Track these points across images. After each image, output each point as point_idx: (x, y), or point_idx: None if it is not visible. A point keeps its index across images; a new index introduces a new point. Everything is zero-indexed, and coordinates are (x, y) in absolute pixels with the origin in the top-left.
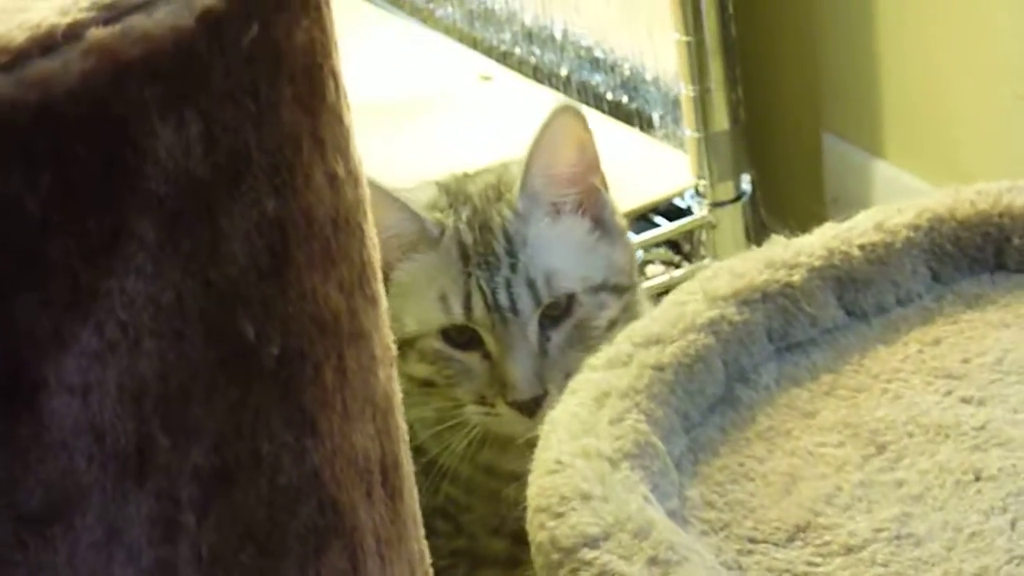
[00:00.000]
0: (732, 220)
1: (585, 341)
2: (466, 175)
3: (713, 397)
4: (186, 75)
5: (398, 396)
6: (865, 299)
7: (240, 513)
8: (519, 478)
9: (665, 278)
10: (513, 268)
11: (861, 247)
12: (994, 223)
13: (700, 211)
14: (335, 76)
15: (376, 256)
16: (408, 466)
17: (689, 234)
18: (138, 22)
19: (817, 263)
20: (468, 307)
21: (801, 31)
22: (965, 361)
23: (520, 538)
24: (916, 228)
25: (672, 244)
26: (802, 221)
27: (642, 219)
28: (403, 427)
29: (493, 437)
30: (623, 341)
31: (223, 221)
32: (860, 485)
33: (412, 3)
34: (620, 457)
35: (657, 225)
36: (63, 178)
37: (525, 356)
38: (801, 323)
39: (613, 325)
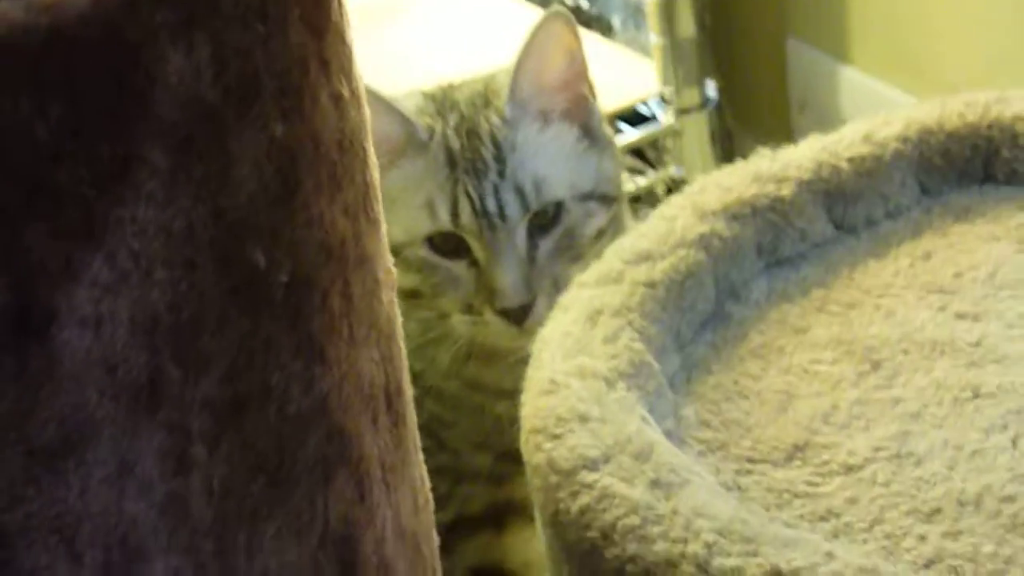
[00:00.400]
0: (698, 127)
1: (573, 250)
2: (452, 84)
3: (704, 313)
4: None
5: (399, 320)
6: (854, 213)
7: (250, 444)
8: (504, 393)
9: (631, 186)
10: (501, 174)
11: (850, 160)
12: (983, 135)
13: (665, 119)
14: (342, 7)
15: (377, 177)
16: (409, 391)
17: (654, 142)
18: None
19: (806, 176)
20: (455, 213)
21: None
22: (957, 276)
23: (504, 454)
24: (905, 140)
25: (636, 152)
26: (768, 128)
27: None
28: (404, 351)
29: (479, 350)
30: (613, 257)
31: (233, 146)
32: (857, 403)
33: None
34: (616, 376)
35: (621, 132)
36: (74, 104)
37: (513, 263)
38: (790, 238)
39: (601, 235)
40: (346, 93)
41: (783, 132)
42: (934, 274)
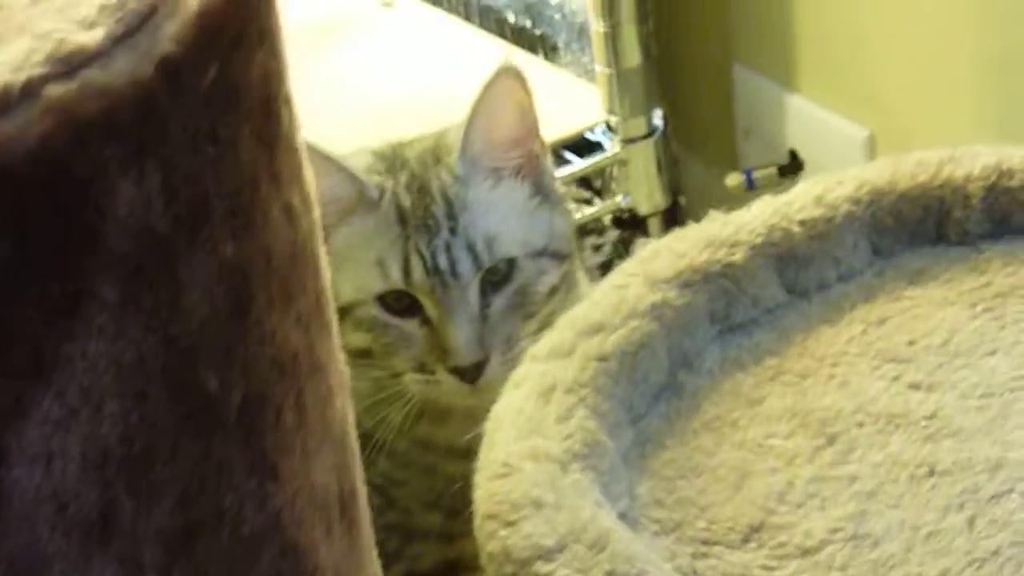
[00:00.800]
0: (644, 156)
1: (526, 307)
2: (401, 142)
3: (657, 385)
4: (146, 127)
5: (352, 421)
6: (806, 276)
7: (203, 570)
8: (456, 451)
9: (577, 215)
10: (453, 231)
11: (802, 223)
12: (935, 195)
13: (612, 147)
14: (288, 103)
15: (328, 278)
16: (363, 492)
17: (600, 171)
18: (96, 76)
19: (758, 240)
20: (407, 271)
21: None
22: (911, 343)
23: (454, 512)
24: (857, 201)
25: (583, 181)
26: (714, 155)
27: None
28: (357, 451)
29: (431, 409)
30: (565, 328)
31: (183, 273)
32: (812, 480)
33: None
34: (570, 458)
35: (567, 161)
36: (23, 243)
37: (465, 321)
38: (743, 304)
39: (554, 292)
40: (297, 202)
41: (728, 159)
42: (888, 341)
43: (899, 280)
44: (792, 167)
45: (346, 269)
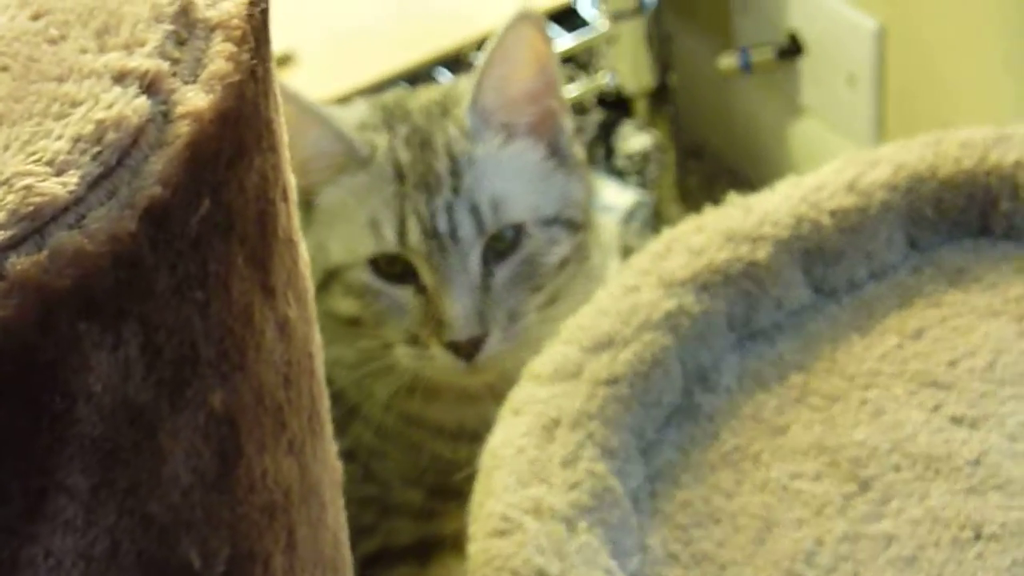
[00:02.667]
0: (634, 31)
1: (533, 280)
2: (406, 93)
3: (670, 407)
4: (126, 290)
5: (344, 528)
6: (836, 274)
7: None
8: (445, 431)
9: None
10: (456, 191)
11: (832, 213)
12: (980, 183)
13: (599, 23)
14: (286, 193)
15: (323, 385)
16: None
17: (587, 48)
18: (68, 239)
19: (784, 234)
20: (402, 233)
21: None
22: (952, 364)
23: (437, 491)
24: (893, 188)
25: (565, 57)
26: (707, 29)
27: None
28: (350, 562)
29: (422, 385)
30: (571, 342)
31: (165, 441)
32: (844, 539)
33: None
34: (577, 514)
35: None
36: None
37: (465, 291)
38: (765, 307)
39: (564, 264)
40: (293, 313)
41: (722, 36)
42: (926, 360)
43: (938, 280)
44: (791, 50)
45: (336, 229)
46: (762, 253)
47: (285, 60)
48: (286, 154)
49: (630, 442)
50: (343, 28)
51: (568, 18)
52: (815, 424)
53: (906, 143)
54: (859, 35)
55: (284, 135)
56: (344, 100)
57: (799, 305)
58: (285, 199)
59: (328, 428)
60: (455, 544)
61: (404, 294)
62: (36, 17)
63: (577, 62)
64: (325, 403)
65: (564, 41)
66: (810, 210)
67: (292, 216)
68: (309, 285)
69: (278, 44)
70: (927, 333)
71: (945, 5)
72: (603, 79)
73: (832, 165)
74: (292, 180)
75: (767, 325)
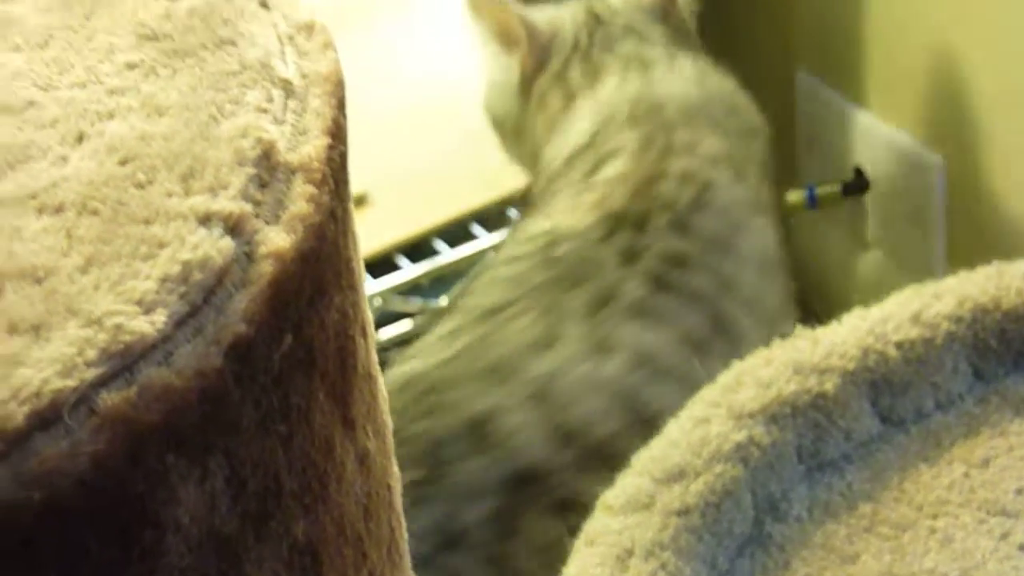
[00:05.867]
0: None
1: None
2: None
3: (742, 537)
4: (212, 423)
5: None
6: (903, 404)
7: None
8: None
9: None
10: None
11: (898, 345)
12: None
13: None
14: (364, 329)
15: (401, 516)
16: None
17: None
18: (157, 376)
19: (851, 366)
20: None
21: None
22: (1019, 492)
23: None
24: (958, 320)
25: None
26: (775, 165)
27: None
28: None
29: None
30: (643, 474)
31: (250, 571)
32: None
33: None
34: None
35: None
36: None
37: None
38: (834, 438)
39: None
40: (372, 446)
41: (789, 172)
42: (993, 489)
43: (1004, 410)
44: (857, 185)
45: None
46: (830, 385)
47: (359, 201)
48: (364, 291)
49: (702, 572)
50: (414, 169)
51: None
52: (885, 553)
53: (969, 275)
54: (924, 170)
55: (363, 273)
56: (417, 241)
57: (867, 435)
58: (364, 335)
59: (406, 560)
60: None
61: None
62: (124, 162)
63: None
64: (403, 534)
65: None
66: (876, 342)
67: (371, 351)
68: (387, 418)
69: (352, 185)
70: (994, 462)
71: (1007, 140)
72: None
73: (897, 297)
74: (370, 317)
75: (836, 455)
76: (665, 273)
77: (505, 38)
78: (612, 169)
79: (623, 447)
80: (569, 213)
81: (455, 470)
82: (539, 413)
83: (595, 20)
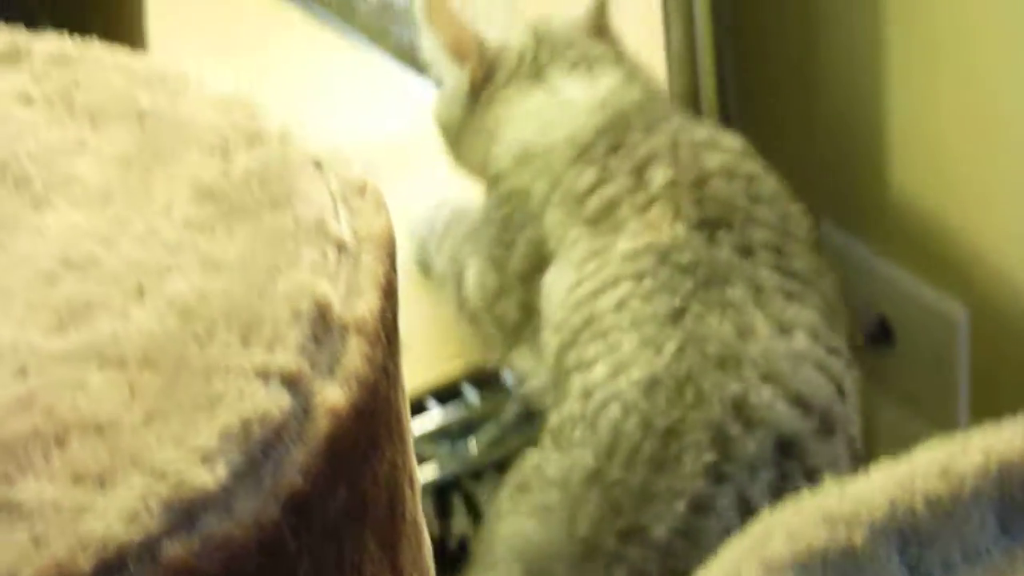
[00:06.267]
0: None
1: None
2: None
3: None
4: (270, 573)
5: None
6: (930, 556)
7: None
8: None
9: None
10: None
11: (926, 497)
12: None
13: None
14: (412, 480)
15: None
16: None
17: None
18: (217, 525)
19: (878, 517)
20: None
21: (801, 106)
22: None
23: None
24: (985, 475)
25: None
26: None
27: None
28: None
29: None
30: None
31: None
32: None
33: None
34: None
35: None
36: None
37: None
38: None
39: None
40: None
41: None
42: None
43: None
44: (880, 336)
45: None
46: (858, 536)
47: None
48: (411, 442)
49: None
50: (448, 314)
51: None
52: None
53: (995, 429)
54: (948, 321)
55: (410, 425)
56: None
57: None
58: (411, 485)
59: None
60: None
61: None
62: (183, 318)
63: None
64: None
65: None
66: (904, 494)
67: (417, 501)
68: (431, 564)
69: None
70: None
71: None
72: None
73: (924, 450)
74: (416, 468)
75: None
76: (778, 261)
77: (457, 50)
78: (661, 175)
79: (840, 413)
80: (655, 230)
81: (738, 448)
82: (777, 389)
83: (538, 38)
